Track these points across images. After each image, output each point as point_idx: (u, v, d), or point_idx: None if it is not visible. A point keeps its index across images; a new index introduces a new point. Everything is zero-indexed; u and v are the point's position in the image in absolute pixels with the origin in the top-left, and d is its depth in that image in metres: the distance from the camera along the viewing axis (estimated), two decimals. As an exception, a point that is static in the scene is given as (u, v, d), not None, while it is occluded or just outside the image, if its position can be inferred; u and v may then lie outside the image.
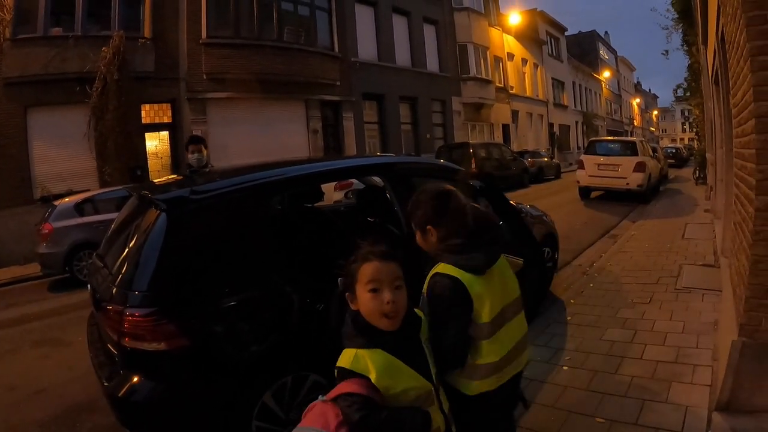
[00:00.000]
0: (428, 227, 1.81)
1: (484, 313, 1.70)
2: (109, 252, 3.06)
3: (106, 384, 2.52)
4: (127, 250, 2.70)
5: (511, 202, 4.83)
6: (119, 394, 2.37)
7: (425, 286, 1.78)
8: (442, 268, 1.73)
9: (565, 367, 3.53)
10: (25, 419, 3.67)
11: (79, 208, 8.79)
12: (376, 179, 4.21)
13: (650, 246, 7.18)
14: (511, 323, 1.82)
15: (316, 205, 4.57)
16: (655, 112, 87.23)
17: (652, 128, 77.72)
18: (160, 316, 2.29)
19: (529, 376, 3.36)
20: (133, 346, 2.31)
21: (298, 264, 2.84)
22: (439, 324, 1.69)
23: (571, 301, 5.03)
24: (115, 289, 2.48)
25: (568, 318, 4.56)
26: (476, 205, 2.04)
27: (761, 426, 2.54)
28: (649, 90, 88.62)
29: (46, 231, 8.40)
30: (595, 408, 2.93)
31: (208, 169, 4.61)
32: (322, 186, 4.48)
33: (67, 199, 9.13)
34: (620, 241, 7.94)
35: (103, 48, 11.84)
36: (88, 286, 3.26)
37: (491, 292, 1.74)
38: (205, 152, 4.98)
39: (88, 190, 10.46)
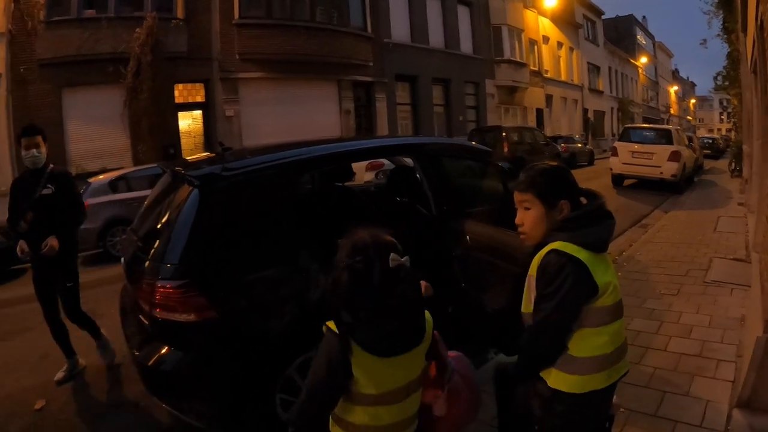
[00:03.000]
0: (562, 202, 1.68)
1: (605, 296, 1.60)
2: (143, 227, 3.17)
3: (136, 353, 2.63)
4: (159, 224, 2.81)
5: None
6: (149, 363, 2.48)
7: (535, 266, 1.65)
8: (558, 245, 1.60)
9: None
10: (57, 386, 3.81)
11: (113, 185, 9.03)
12: (407, 160, 4.21)
13: (681, 237, 7.05)
14: (622, 318, 1.71)
15: (347, 184, 4.61)
16: (693, 101, 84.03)
17: (689, 117, 75.11)
18: (190, 289, 2.36)
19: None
20: (164, 317, 2.40)
21: (325, 241, 2.88)
22: (548, 300, 1.58)
23: (598, 289, 4.98)
24: (147, 263, 2.57)
25: (594, 306, 4.53)
26: None
27: None
28: (687, 77, 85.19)
29: (81, 207, 8.65)
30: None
31: (48, 171, 3.71)
32: (354, 166, 4.51)
33: (101, 177, 9.38)
34: (651, 231, 7.82)
35: (136, 29, 12.08)
36: (122, 259, 3.40)
37: (612, 272, 1.66)
38: (43, 148, 3.73)
39: (121, 168, 10.76)
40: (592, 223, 1.64)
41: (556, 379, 1.65)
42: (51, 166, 3.78)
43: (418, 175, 3.61)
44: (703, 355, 3.40)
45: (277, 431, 2.64)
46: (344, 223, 2.66)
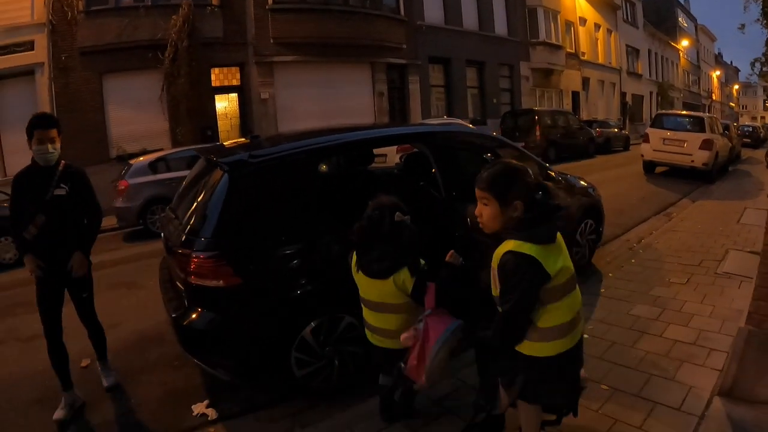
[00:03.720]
0: (517, 202, 1.93)
1: (557, 278, 1.90)
2: (180, 205, 3.59)
3: (173, 315, 3.03)
4: (195, 204, 3.19)
5: (554, 171, 4.98)
6: (184, 323, 2.88)
7: (496, 261, 1.96)
8: (514, 245, 1.89)
9: (585, 336, 3.68)
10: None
11: (153, 166, 9.55)
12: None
13: (702, 227, 7.03)
14: (575, 290, 2.04)
15: (372, 167, 4.90)
16: (736, 87, 79.75)
17: (731, 104, 71.72)
18: (221, 259, 2.75)
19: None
20: (198, 282, 2.79)
21: (342, 220, 3.22)
22: (510, 293, 1.91)
23: (609, 274, 5.13)
24: (184, 237, 2.96)
25: (602, 290, 4.69)
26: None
27: (759, 417, 2.57)
28: (731, 62, 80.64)
29: (123, 187, 9.21)
30: (603, 375, 3.11)
31: (61, 168, 3.21)
32: (387, 150, 4.71)
33: (141, 158, 9.92)
34: (674, 220, 7.80)
35: (173, 16, 12.50)
36: (162, 234, 3.82)
37: (561, 257, 1.95)
38: (58, 143, 3.17)
39: (161, 150, 11.28)
40: (543, 222, 1.92)
41: (530, 348, 2.00)
42: (63, 162, 3.22)
43: (430, 161, 3.88)
44: (697, 344, 3.49)
45: (291, 385, 3.06)
46: (361, 204, 3.03)
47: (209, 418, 3.11)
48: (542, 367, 2.00)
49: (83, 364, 3.91)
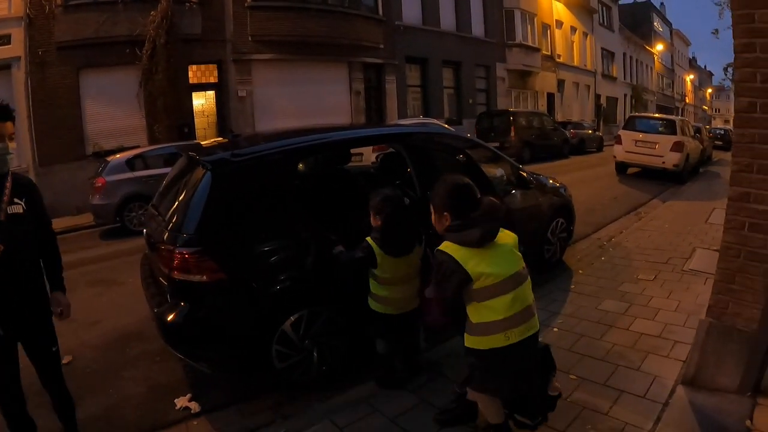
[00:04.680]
0: (445, 213, 2.27)
1: (481, 280, 2.14)
2: (163, 202, 3.63)
3: (156, 310, 3.09)
4: (177, 201, 3.25)
5: (525, 172, 5.13)
6: (167, 318, 2.93)
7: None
8: (444, 246, 2.22)
9: (555, 329, 3.88)
10: (82, 344, 4.28)
11: (130, 164, 9.46)
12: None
13: (671, 227, 7.26)
14: (518, 290, 2.21)
15: (349, 166, 5.00)
16: (710, 90, 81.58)
17: (704, 107, 73.42)
18: (203, 254, 2.83)
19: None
20: (180, 278, 2.85)
21: (320, 217, 3.33)
22: (440, 285, 2.25)
23: (579, 271, 5.30)
24: (167, 233, 3.02)
25: (572, 286, 4.85)
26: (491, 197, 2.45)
27: (718, 405, 2.71)
28: (705, 66, 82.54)
29: (100, 184, 9.11)
30: (571, 366, 3.26)
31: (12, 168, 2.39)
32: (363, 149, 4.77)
33: (118, 155, 9.79)
34: (644, 219, 8.02)
35: (152, 12, 12.37)
36: (144, 230, 3.85)
37: (489, 263, 2.16)
38: (13, 142, 2.38)
39: (138, 147, 11.19)
40: (470, 228, 2.18)
41: (468, 340, 2.28)
42: (10, 170, 2.37)
43: (406, 161, 4.00)
44: (662, 336, 3.64)
45: (272, 377, 3.15)
46: (337, 202, 3.12)
47: (192, 411, 3.17)
48: (479, 358, 2.26)
49: (65, 360, 3.87)
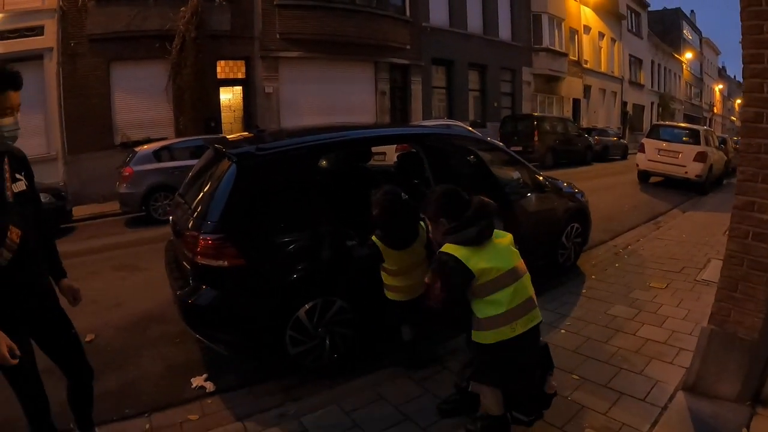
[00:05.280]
0: (441, 219, 2.41)
1: (484, 275, 2.26)
2: (189, 192, 3.84)
3: (178, 293, 3.27)
4: (203, 190, 3.44)
5: (542, 176, 5.20)
6: (189, 300, 3.12)
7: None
8: (446, 247, 2.33)
9: (562, 331, 3.96)
10: (105, 324, 4.49)
11: (157, 155, 9.78)
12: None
13: (688, 237, 7.22)
14: (518, 283, 2.34)
15: (371, 164, 5.15)
16: (738, 101, 79.88)
17: (733, 118, 71.59)
18: (225, 241, 3.00)
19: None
20: (203, 262, 3.03)
21: (338, 212, 3.47)
22: (446, 284, 2.35)
23: (592, 276, 5.34)
24: (192, 220, 3.21)
25: (583, 291, 4.89)
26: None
27: (717, 412, 2.74)
28: (734, 77, 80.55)
29: (127, 174, 9.42)
30: (575, 367, 3.33)
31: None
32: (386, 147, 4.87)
33: (146, 146, 10.13)
34: (662, 228, 7.97)
35: (182, 8, 12.66)
36: (170, 218, 4.05)
37: (488, 258, 2.28)
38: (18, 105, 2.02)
39: (165, 138, 11.52)
40: (467, 227, 2.31)
41: (475, 336, 2.38)
42: None
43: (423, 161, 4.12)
44: (668, 343, 3.68)
45: (285, 362, 3.31)
46: (355, 198, 3.27)
47: (207, 390, 3.33)
48: (485, 352, 2.37)
49: (88, 338, 4.10)
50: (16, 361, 1.82)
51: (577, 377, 3.21)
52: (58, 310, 2.26)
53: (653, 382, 3.14)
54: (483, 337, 2.34)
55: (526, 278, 2.41)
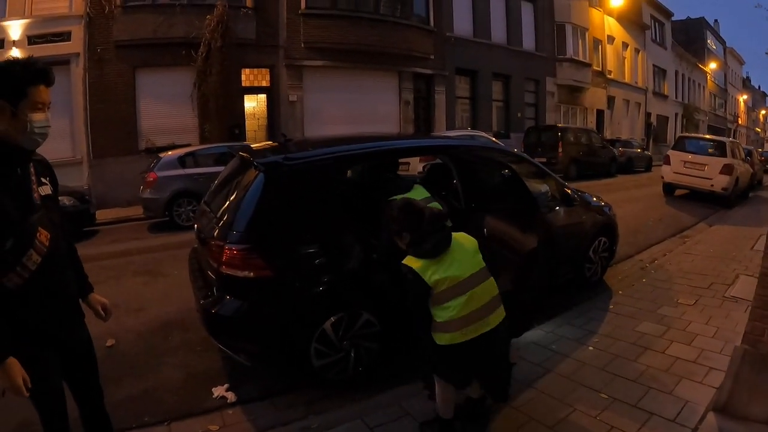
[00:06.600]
0: (404, 233, 2.53)
1: (439, 285, 2.39)
2: (214, 200, 3.85)
3: (202, 302, 3.27)
4: (229, 199, 3.43)
5: (570, 189, 5.13)
6: (212, 310, 3.11)
7: None
8: (407, 260, 2.47)
9: (590, 348, 3.87)
10: (126, 330, 4.50)
11: (182, 161, 9.88)
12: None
13: (716, 252, 7.07)
14: (475, 290, 2.45)
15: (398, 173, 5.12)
16: (763, 112, 77.44)
17: (757, 129, 70.01)
18: (252, 251, 2.99)
19: (556, 350, 3.81)
20: (228, 272, 3.02)
21: (364, 223, 3.44)
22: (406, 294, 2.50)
23: (620, 292, 5.24)
24: (218, 229, 3.21)
25: (611, 306, 4.80)
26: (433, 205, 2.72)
27: None
28: (759, 87, 78.74)
29: (151, 179, 9.53)
30: (604, 385, 3.26)
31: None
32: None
33: (170, 152, 10.26)
34: (689, 242, 7.83)
35: (207, 16, 12.83)
36: (195, 226, 4.06)
37: (444, 269, 2.40)
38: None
39: (189, 145, 11.68)
40: (422, 242, 2.44)
41: (435, 337, 2.50)
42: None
43: (451, 173, 4.08)
44: (697, 362, 3.59)
45: (308, 374, 3.27)
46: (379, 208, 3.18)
47: (228, 401, 3.31)
48: (441, 352, 2.49)
49: (108, 343, 4.13)
50: (28, 394, 1.74)
51: (606, 396, 3.14)
52: (85, 331, 2.13)
53: (683, 402, 3.06)
54: (438, 337, 2.47)
55: (487, 284, 2.52)
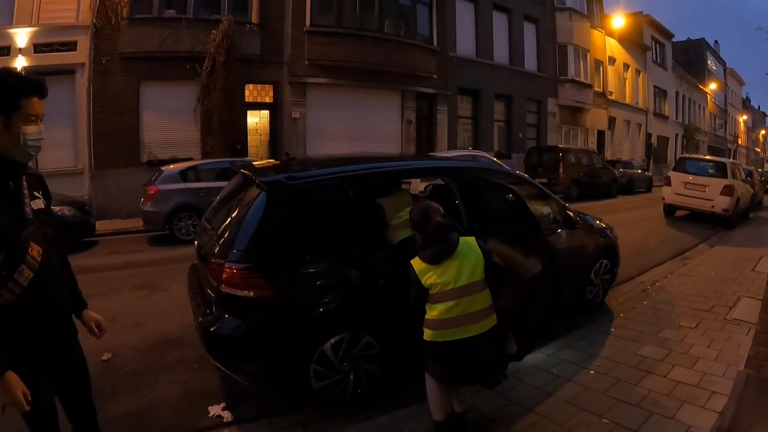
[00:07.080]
0: (415, 233, 2.77)
1: (433, 288, 2.61)
2: (215, 217, 3.83)
3: (200, 319, 3.23)
4: (231, 217, 3.43)
5: (572, 211, 5.12)
6: (211, 328, 3.08)
7: None
8: (414, 259, 2.69)
9: (592, 371, 3.83)
10: (123, 344, 4.44)
11: (183, 175, 9.88)
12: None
13: (717, 273, 7.03)
14: (462, 299, 2.61)
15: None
16: (763, 132, 77.76)
17: (757, 149, 70.24)
18: (253, 271, 2.97)
19: (557, 373, 3.77)
20: (228, 291, 3.00)
21: (366, 245, 3.44)
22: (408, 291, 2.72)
23: (621, 314, 5.20)
24: (218, 247, 3.20)
25: (612, 329, 4.76)
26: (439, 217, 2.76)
27: None
28: (758, 107, 79.17)
29: (152, 192, 9.53)
30: (605, 410, 3.22)
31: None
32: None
33: (172, 166, 10.25)
34: (690, 264, 7.79)
35: (213, 31, 12.95)
36: (195, 242, 4.04)
37: (440, 275, 2.59)
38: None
39: (191, 159, 11.69)
40: (429, 247, 2.65)
41: (425, 333, 2.69)
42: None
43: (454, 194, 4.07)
44: (699, 386, 3.54)
45: (306, 395, 3.23)
46: (382, 230, 3.17)
47: (225, 420, 3.27)
48: (426, 347, 2.69)
49: (105, 357, 4.10)
50: (28, 408, 1.71)
51: (607, 421, 3.10)
52: (79, 348, 2.12)
53: (686, 427, 3.02)
54: (425, 333, 2.68)
55: (478, 296, 2.66)
